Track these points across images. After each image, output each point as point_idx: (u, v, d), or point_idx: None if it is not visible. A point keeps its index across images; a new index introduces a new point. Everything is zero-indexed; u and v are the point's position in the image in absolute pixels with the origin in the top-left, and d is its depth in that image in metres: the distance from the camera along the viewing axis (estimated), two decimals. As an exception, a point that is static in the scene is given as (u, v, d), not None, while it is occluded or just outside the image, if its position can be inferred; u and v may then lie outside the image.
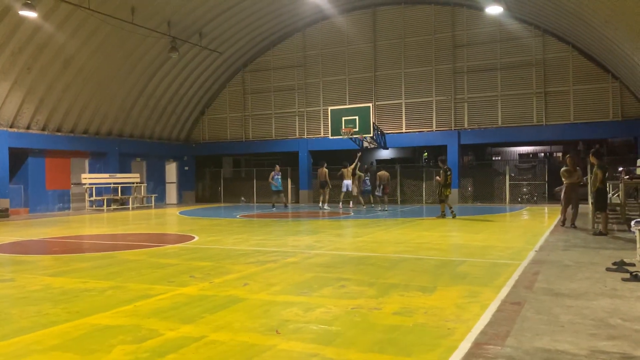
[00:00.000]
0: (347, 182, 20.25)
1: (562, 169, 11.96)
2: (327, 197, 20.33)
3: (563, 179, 11.98)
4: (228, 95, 27.67)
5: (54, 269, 7.39)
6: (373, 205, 19.49)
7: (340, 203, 20.53)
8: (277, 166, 20.58)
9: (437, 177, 15.66)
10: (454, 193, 22.41)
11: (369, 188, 19.51)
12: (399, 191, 24.29)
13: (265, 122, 26.78)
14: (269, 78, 26.55)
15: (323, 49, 25.24)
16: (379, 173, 18.92)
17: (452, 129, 22.80)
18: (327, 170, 20.28)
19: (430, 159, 28.84)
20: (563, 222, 12.10)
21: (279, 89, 26.38)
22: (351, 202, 20.27)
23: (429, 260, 7.71)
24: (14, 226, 15.00)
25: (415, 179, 24.11)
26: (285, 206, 20.22)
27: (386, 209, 18.64)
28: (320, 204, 20.18)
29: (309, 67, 25.69)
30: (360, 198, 19.29)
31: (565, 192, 12.05)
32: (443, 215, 15.11)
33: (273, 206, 20.28)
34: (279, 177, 20.29)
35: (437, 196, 15.49)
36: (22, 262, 8.17)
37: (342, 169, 20.17)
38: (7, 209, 18.79)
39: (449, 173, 14.97)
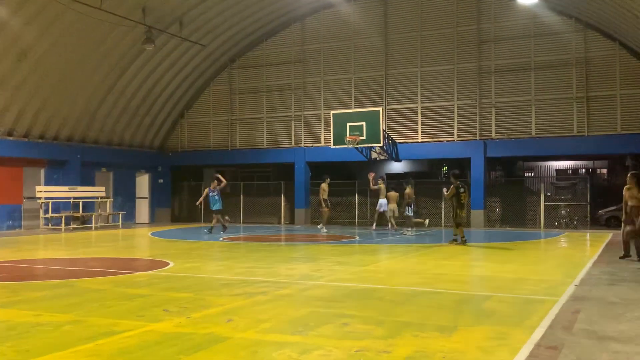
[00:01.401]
0: (383, 201, 20.37)
1: (626, 187, 11.61)
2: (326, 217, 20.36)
3: (630, 202, 11.48)
4: (212, 96, 27.80)
5: (0, 299, 7.35)
6: (404, 230, 19.32)
7: (374, 224, 20.99)
8: (216, 181, 19.55)
9: (445, 190, 15.79)
10: (478, 216, 22.40)
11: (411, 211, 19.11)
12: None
13: (256, 127, 26.87)
14: (261, 76, 26.71)
15: (325, 42, 25.45)
16: (407, 192, 18.90)
17: (477, 139, 22.86)
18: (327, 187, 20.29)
19: (450, 174, 28.88)
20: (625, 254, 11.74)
21: (272, 88, 26.52)
22: (390, 225, 20.10)
23: (449, 295, 7.69)
24: (-46, 247, 14.97)
25: (432, 198, 24.09)
26: (224, 229, 19.22)
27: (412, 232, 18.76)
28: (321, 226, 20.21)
29: (308, 63, 25.86)
30: (410, 220, 18.96)
31: (630, 215, 11.56)
32: (455, 241, 15.06)
33: (211, 230, 19.07)
34: (216, 194, 19.30)
35: (452, 219, 15.46)
36: (-37, 290, 8.14)
37: (381, 185, 20.44)
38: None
39: (462, 191, 14.96)
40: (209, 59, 26.32)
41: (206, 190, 19.54)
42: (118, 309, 6.68)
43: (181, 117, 28.30)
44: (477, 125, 22.95)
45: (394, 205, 19.92)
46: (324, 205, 20.10)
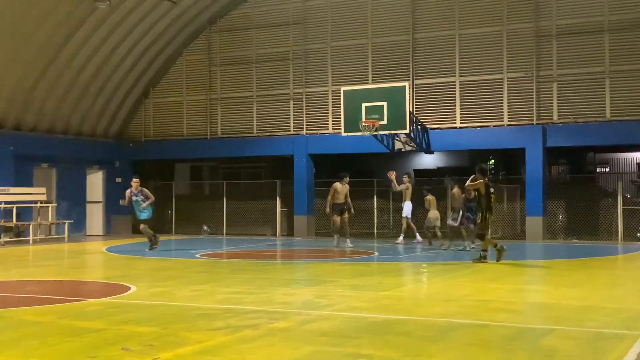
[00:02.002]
0: (408, 205, 20.60)
1: None
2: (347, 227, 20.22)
3: None
4: (186, 69, 27.81)
5: None
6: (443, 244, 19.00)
7: (402, 236, 20.99)
8: (135, 179, 18.80)
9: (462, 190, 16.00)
10: (535, 225, 22.34)
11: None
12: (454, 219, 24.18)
13: (243, 110, 26.87)
14: (250, 42, 26.71)
15: (333, -3, 25.45)
16: (455, 192, 18.69)
17: (534, 123, 22.80)
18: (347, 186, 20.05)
19: (499, 169, 28.78)
20: None
21: (264, 58, 26.51)
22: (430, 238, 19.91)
23: (497, 328, 7.66)
24: None
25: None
26: (151, 247, 18.42)
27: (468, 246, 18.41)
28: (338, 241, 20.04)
29: (311, 25, 25.85)
30: (463, 230, 18.68)
31: None
32: (484, 259, 14.80)
33: (151, 247, 18.41)
34: (141, 198, 18.48)
35: (478, 228, 15.31)
36: None
37: (408, 183, 20.60)
38: None
39: (492, 191, 14.96)
40: (181, 20, 26.33)
41: (127, 192, 18.66)
42: (63, 348, 6.67)
43: (145, 96, 28.31)
44: (534, 106, 22.86)
45: (436, 213, 19.61)
46: (328, 210, 20.10)
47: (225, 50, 27.13)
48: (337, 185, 19.87)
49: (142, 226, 18.54)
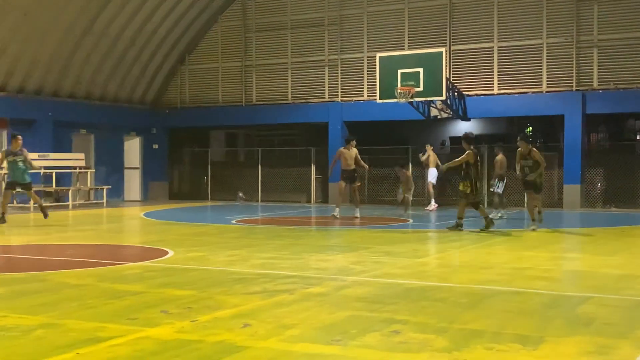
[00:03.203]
0: (433, 171, 20.88)
1: None
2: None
3: None
4: (220, 35, 27.83)
5: (-44, 296, 7.59)
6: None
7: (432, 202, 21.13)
8: (19, 135, 16.52)
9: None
10: (574, 193, 22.11)
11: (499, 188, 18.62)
12: (486, 187, 24.06)
13: (278, 77, 26.86)
14: (284, 7, 26.59)
15: (369, -38, 25.17)
16: (499, 159, 18.54)
17: (574, 89, 22.48)
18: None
19: (537, 137, 28.42)
20: None
21: (299, 24, 26.40)
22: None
23: (533, 296, 7.65)
24: None
25: (512, 169, 23.77)
26: (46, 215, 16.74)
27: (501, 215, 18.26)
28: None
29: (346, -10, 25.64)
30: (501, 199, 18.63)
31: None
32: (461, 227, 14.77)
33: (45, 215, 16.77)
34: (20, 159, 16.19)
35: (469, 197, 14.79)
36: None
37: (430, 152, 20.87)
38: None
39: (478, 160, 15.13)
40: (217, -14, 26.30)
41: (2, 152, 16.68)
42: (103, 310, 6.81)
43: (181, 63, 28.43)
44: (574, 72, 22.53)
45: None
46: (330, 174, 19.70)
47: (260, 17, 27.06)
48: (343, 150, 18.40)
49: (31, 193, 16.96)
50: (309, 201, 26.50)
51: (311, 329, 6.06)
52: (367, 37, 25.22)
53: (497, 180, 18.35)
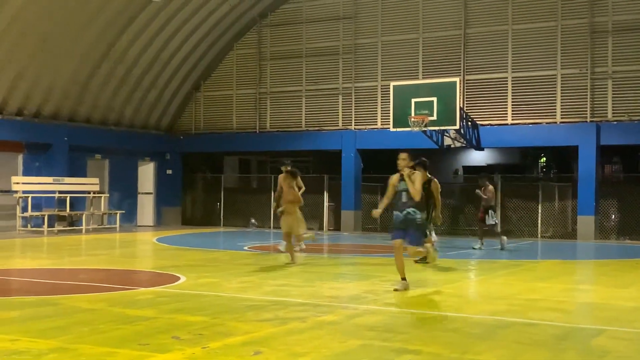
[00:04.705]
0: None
1: None
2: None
3: None
4: (236, 62, 28.02)
5: (-31, 319, 7.61)
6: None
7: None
8: None
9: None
10: (587, 224, 21.96)
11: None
12: (499, 217, 23.95)
13: (292, 104, 26.96)
14: (299, 36, 26.77)
15: (384, -8, 25.35)
16: (491, 187, 18.10)
17: (588, 121, 22.41)
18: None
19: (550, 168, 28.37)
20: None
21: (314, 53, 26.55)
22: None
23: (546, 327, 7.59)
24: None
25: (526, 199, 23.76)
26: None
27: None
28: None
29: (361, 19, 25.78)
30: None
31: None
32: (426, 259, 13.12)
33: None
34: None
35: (429, 223, 13.80)
36: None
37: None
38: None
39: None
40: (232, 15, 26.53)
41: None
42: (115, 335, 6.81)
43: (196, 90, 28.63)
44: (588, 103, 22.47)
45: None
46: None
47: (275, 45, 27.24)
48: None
49: None
50: (321, 228, 26.44)
51: (322, 357, 6.03)
52: (382, 66, 25.31)
53: (491, 211, 17.93)
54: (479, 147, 24.28)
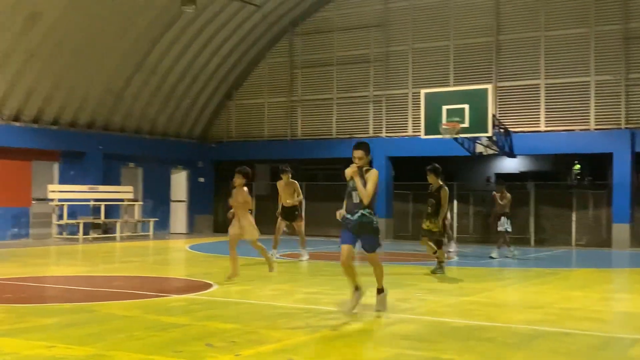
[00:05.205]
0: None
1: None
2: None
3: None
4: (267, 71, 28.15)
5: (4, 326, 7.70)
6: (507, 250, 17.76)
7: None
8: None
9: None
10: (622, 232, 21.66)
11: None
12: (533, 225, 23.73)
13: (323, 112, 26.99)
14: (331, 44, 26.82)
15: (415, -1, 25.33)
16: (508, 195, 17.75)
17: (623, 127, 22.12)
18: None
19: (584, 175, 28.03)
20: None
21: (345, 61, 26.57)
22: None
23: (582, 337, 7.49)
24: (-49, 259, 15.81)
25: (559, 207, 23.51)
26: None
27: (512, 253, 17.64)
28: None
29: (392, 27, 25.75)
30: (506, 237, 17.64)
31: None
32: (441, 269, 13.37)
33: None
34: None
35: (435, 234, 13.58)
36: (-38, 312, 8.57)
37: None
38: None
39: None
40: (264, 23, 26.68)
41: None
42: (150, 342, 6.86)
43: (228, 98, 28.81)
44: (623, 109, 22.19)
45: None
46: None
47: (306, 53, 27.33)
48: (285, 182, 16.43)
49: None
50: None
51: (356, 366, 6.01)
52: (412, 74, 25.25)
53: (504, 217, 17.52)
54: (512, 155, 24.09)
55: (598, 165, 26.64)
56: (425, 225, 13.67)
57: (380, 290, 8.91)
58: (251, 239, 12.54)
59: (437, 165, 13.96)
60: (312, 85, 27.26)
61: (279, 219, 16.57)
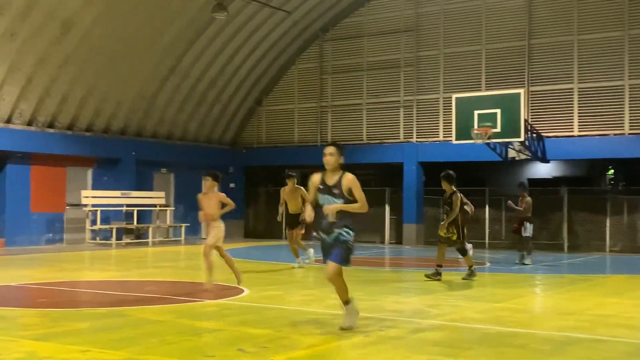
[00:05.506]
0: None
1: None
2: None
3: None
4: (297, 77, 28.26)
5: (39, 330, 7.83)
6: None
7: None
8: None
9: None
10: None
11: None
12: (566, 231, 23.48)
13: (353, 117, 27.01)
14: (361, 50, 26.85)
15: (446, 3, 25.22)
16: (528, 199, 17.50)
17: (657, 131, 21.85)
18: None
19: (619, 180, 27.65)
20: None
21: (375, 66, 26.58)
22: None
23: (617, 344, 7.41)
24: (-12, 264, 16.09)
25: (593, 212, 23.23)
26: None
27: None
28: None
29: (423, 32, 25.71)
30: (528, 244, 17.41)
31: None
32: (473, 274, 13.36)
33: None
34: None
35: (454, 242, 13.58)
36: (-1, 316, 8.74)
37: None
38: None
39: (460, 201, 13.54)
40: (295, 30, 26.80)
41: None
42: (182, 347, 6.92)
43: (258, 104, 28.96)
44: (658, 114, 21.93)
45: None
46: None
47: (336, 58, 27.39)
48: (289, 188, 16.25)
49: None
50: (382, 242, 26.36)
51: (387, 372, 6.00)
52: (444, 78, 25.18)
53: (527, 223, 17.24)
54: (545, 160, 23.89)
55: (632, 171, 26.31)
56: (442, 232, 13.65)
57: (347, 302, 7.96)
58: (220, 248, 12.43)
59: (450, 172, 13.94)
60: (342, 90, 27.30)
61: (288, 229, 16.26)
